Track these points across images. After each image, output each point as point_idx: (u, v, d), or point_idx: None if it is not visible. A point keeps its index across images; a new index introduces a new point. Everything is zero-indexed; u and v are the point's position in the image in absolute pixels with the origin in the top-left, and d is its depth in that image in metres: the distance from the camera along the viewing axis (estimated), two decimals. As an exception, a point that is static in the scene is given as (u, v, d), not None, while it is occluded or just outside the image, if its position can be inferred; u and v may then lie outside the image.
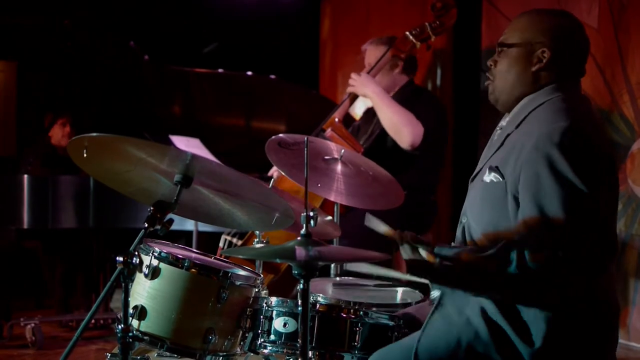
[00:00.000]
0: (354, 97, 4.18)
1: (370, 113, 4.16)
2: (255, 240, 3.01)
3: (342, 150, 2.99)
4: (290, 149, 2.92)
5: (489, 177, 2.08)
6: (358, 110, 4.44)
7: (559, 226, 1.90)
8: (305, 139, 2.14)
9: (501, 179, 2.04)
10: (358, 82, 3.94)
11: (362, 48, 4.22)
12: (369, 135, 4.03)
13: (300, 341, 1.96)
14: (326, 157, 2.99)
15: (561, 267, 1.88)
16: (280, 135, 3.02)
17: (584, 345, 2.01)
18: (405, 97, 3.99)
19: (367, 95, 3.93)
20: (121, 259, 1.99)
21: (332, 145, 3.06)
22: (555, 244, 1.88)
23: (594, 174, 1.93)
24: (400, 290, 2.70)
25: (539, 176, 1.94)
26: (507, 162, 2.04)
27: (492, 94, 2.22)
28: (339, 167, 3.00)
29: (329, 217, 3.20)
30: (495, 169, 2.07)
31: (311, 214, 1.99)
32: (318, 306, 2.28)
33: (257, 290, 2.38)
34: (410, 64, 4.11)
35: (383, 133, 3.92)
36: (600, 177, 1.96)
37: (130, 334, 2.05)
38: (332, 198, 3.00)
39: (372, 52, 4.09)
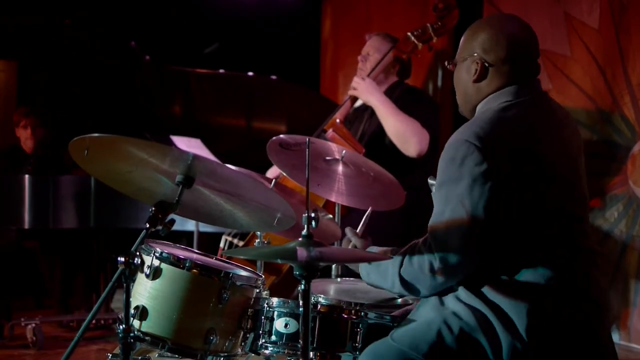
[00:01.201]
0: (355, 98, 4.17)
1: (359, 112, 4.15)
2: (257, 241, 3.01)
3: (344, 151, 2.99)
4: (291, 149, 2.92)
5: (433, 186, 2.28)
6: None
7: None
8: (307, 139, 2.14)
9: None
10: (362, 88, 3.92)
11: (366, 36, 4.21)
12: (360, 135, 4.02)
13: (301, 342, 1.96)
14: (327, 158, 2.99)
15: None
16: (281, 136, 3.02)
17: (565, 340, 2.05)
18: (397, 97, 3.98)
19: (372, 103, 3.91)
20: (123, 259, 1.99)
21: (333, 146, 3.06)
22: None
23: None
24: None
25: None
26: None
27: (459, 107, 2.38)
28: (340, 168, 3.00)
29: (330, 216, 3.20)
30: (432, 177, 2.31)
31: (312, 214, 1.99)
32: (319, 307, 2.28)
33: (258, 290, 2.38)
34: (406, 69, 4.11)
35: (376, 134, 3.92)
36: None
37: (132, 334, 2.05)
38: (333, 199, 3.01)
39: (375, 44, 4.07)
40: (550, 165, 2.15)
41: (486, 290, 2.07)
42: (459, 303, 2.09)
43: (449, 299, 2.12)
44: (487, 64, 2.22)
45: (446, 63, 2.37)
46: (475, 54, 2.24)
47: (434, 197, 2.20)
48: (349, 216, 3.52)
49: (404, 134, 3.80)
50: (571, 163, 2.23)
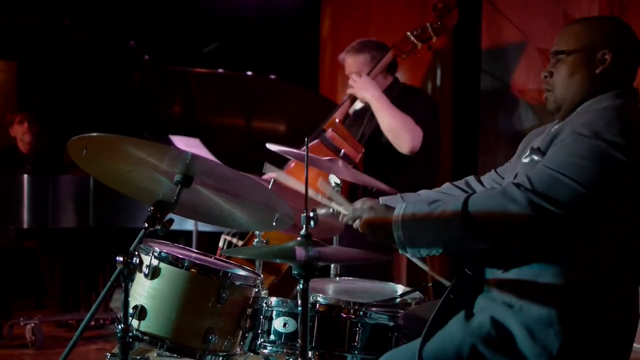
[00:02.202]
0: (354, 98, 4.16)
1: (358, 115, 4.14)
2: (256, 240, 3.01)
3: (342, 151, 2.99)
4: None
5: (528, 157, 2.11)
6: (358, 111, 4.43)
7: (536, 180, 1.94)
8: (306, 140, 2.14)
9: (541, 159, 2.05)
10: (358, 85, 3.92)
11: (339, 58, 4.19)
12: (359, 137, 4.02)
13: (300, 341, 1.97)
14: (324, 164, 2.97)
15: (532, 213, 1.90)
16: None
17: (601, 351, 2.00)
18: (395, 96, 3.97)
19: (367, 99, 3.91)
20: (121, 258, 1.99)
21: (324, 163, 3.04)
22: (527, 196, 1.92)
23: (602, 175, 1.93)
24: (400, 289, 2.70)
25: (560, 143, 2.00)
26: (549, 145, 2.06)
27: (553, 103, 2.19)
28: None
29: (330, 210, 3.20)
30: (536, 150, 2.08)
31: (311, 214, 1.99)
32: (318, 306, 2.28)
33: (257, 290, 2.38)
34: (392, 65, 4.10)
35: (375, 135, 3.91)
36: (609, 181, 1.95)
37: (130, 333, 2.05)
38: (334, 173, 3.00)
39: (353, 61, 4.04)
40: None
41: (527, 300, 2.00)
42: (485, 317, 2.01)
43: (477, 313, 2.04)
44: (615, 54, 2.09)
45: (551, 65, 2.19)
46: (599, 45, 2.10)
47: (525, 164, 2.10)
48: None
49: (397, 129, 3.80)
50: None
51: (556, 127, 2.13)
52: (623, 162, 1.92)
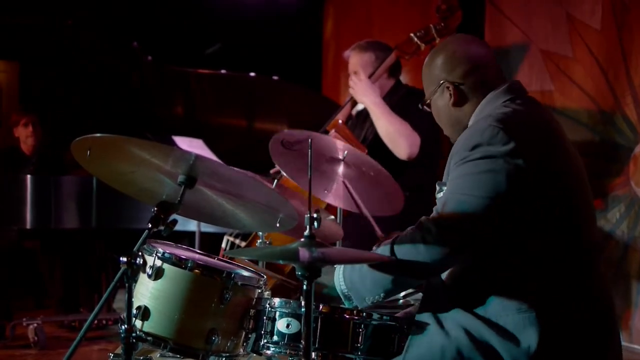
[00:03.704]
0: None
1: (361, 117, 4.14)
2: (259, 241, 3.01)
3: (346, 152, 2.99)
4: (293, 149, 2.91)
5: (439, 192, 2.22)
6: (361, 112, 4.43)
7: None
8: (309, 140, 2.14)
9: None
10: (358, 89, 3.91)
11: (344, 54, 4.19)
12: (362, 139, 4.02)
13: (303, 342, 1.96)
14: (330, 156, 2.97)
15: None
16: (284, 131, 3.01)
17: (579, 344, 2.03)
18: (398, 99, 3.97)
19: (366, 104, 3.91)
20: (125, 259, 1.99)
21: (335, 144, 3.05)
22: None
23: (499, 178, 2.00)
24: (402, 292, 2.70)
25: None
26: (447, 174, 2.18)
27: (451, 139, 2.33)
28: (341, 169, 3.00)
29: (332, 217, 3.20)
30: (441, 182, 2.21)
31: (315, 215, 1.99)
32: (321, 307, 2.27)
33: (260, 291, 2.38)
34: (395, 67, 4.10)
35: (377, 138, 3.91)
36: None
37: (134, 334, 2.05)
38: (334, 202, 3.00)
39: (358, 59, 4.04)
40: (564, 157, 2.13)
41: (486, 306, 2.05)
42: (458, 328, 2.05)
43: (449, 323, 2.07)
44: (457, 84, 2.23)
45: (420, 106, 2.36)
46: (442, 81, 2.25)
47: (440, 200, 2.18)
48: (351, 216, 3.52)
49: (394, 135, 3.80)
50: (578, 158, 2.20)
51: (451, 151, 2.21)
52: (507, 159, 1.99)
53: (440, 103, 2.29)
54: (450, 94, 2.24)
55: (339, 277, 2.23)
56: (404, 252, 2.06)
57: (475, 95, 2.23)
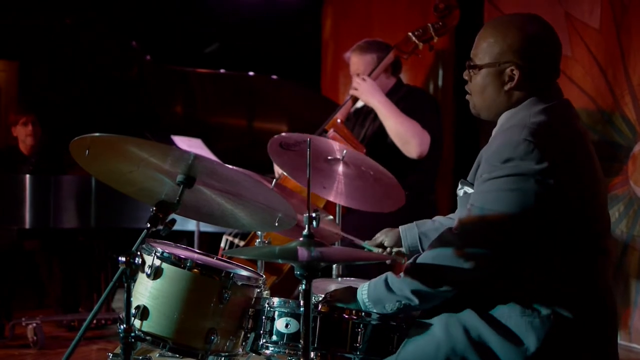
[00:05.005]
0: (356, 98, 4.17)
1: (360, 116, 4.14)
2: (258, 240, 3.01)
3: (345, 151, 2.99)
4: (292, 149, 2.92)
5: (461, 190, 2.19)
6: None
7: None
8: (308, 140, 2.14)
9: (472, 190, 2.12)
10: (363, 89, 3.91)
11: (345, 56, 4.19)
12: (361, 138, 4.02)
13: (302, 342, 1.97)
14: (328, 157, 2.99)
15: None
16: (282, 134, 3.01)
17: (581, 345, 2.04)
18: (399, 98, 3.97)
19: (373, 104, 3.90)
20: (124, 259, 1.99)
21: (333, 145, 3.05)
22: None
23: (524, 196, 1.99)
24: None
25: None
26: (474, 173, 2.13)
27: (473, 108, 2.27)
28: (340, 168, 3.00)
29: (330, 217, 3.20)
30: (465, 181, 2.18)
31: (314, 214, 1.99)
32: (320, 307, 2.28)
33: (259, 290, 2.38)
34: (396, 66, 4.10)
35: (377, 135, 3.91)
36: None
37: (133, 334, 2.05)
38: (333, 199, 3.01)
39: (359, 60, 4.05)
40: (589, 168, 2.12)
41: (498, 308, 2.05)
42: (458, 327, 2.05)
43: (450, 321, 2.07)
44: (525, 74, 2.12)
45: (467, 72, 2.23)
46: (508, 62, 2.12)
47: (461, 198, 2.17)
48: (349, 216, 3.53)
49: (405, 135, 3.80)
50: (598, 165, 2.18)
51: (481, 151, 2.17)
52: (538, 179, 1.98)
53: (488, 80, 2.16)
54: (509, 79, 2.13)
55: (362, 296, 2.20)
56: (431, 266, 2.05)
57: (527, 90, 2.14)
